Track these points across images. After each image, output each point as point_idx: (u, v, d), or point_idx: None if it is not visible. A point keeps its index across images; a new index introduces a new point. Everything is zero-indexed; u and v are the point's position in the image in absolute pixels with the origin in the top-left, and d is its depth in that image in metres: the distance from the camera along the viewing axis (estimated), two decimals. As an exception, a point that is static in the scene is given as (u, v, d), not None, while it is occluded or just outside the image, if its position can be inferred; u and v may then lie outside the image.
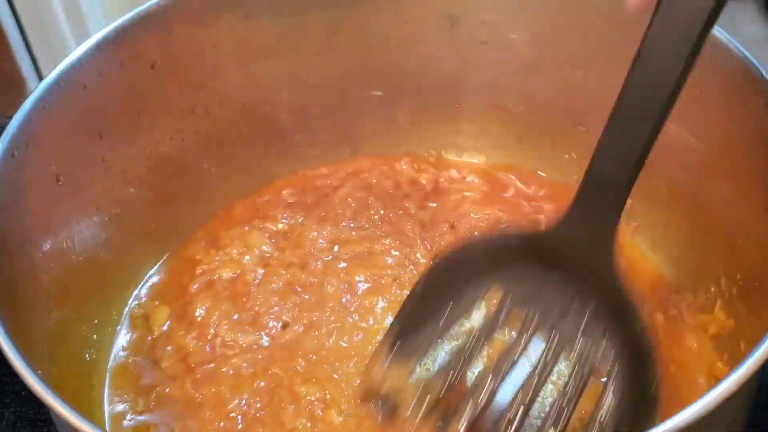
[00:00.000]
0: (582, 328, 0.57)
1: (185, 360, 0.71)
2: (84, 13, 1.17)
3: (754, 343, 0.49)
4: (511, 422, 0.56)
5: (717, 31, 0.66)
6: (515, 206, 0.83)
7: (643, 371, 0.54)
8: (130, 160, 0.76)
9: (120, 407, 0.69)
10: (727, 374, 0.46)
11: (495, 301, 0.61)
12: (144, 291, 0.78)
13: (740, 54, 0.64)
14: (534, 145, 0.87)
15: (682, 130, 0.73)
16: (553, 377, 0.58)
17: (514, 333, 0.60)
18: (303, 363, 0.69)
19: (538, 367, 0.58)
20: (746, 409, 0.60)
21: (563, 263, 0.57)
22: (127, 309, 0.76)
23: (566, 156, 0.85)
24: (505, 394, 0.58)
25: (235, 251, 0.79)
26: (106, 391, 0.70)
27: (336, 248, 0.79)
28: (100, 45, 0.69)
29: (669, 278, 0.76)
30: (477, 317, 0.61)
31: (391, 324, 0.64)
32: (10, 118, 0.63)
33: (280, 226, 0.82)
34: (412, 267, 0.77)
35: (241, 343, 0.72)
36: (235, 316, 0.74)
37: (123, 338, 0.74)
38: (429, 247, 0.79)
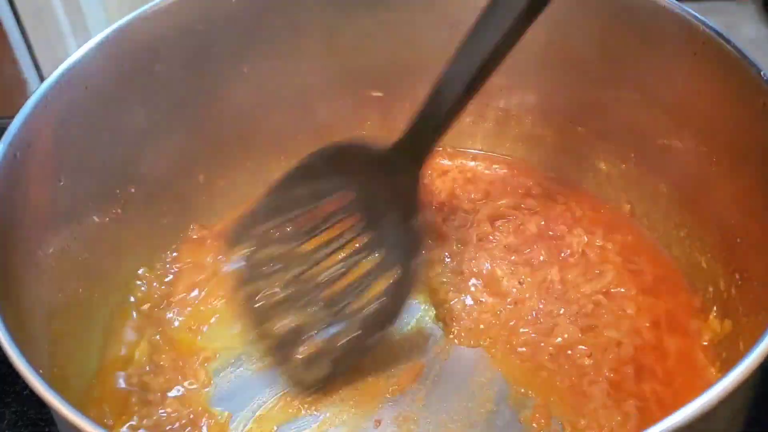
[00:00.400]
0: (391, 228, 0.70)
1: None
2: (84, 13, 1.16)
3: (753, 343, 0.49)
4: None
5: (717, 30, 0.66)
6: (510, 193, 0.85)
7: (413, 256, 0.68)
8: (131, 160, 0.76)
9: (121, 407, 0.68)
10: (720, 378, 0.47)
11: (336, 202, 0.73)
12: (145, 292, 0.78)
13: (740, 54, 0.64)
14: (534, 146, 0.87)
15: (682, 131, 0.73)
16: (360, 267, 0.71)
17: (345, 231, 0.72)
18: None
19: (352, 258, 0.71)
20: (746, 408, 0.60)
21: (393, 171, 0.70)
22: (127, 309, 0.76)
23: (566, 156, 0.85)
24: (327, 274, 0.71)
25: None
26: (106, 391, 0.70)
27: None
28: (101, 45, 0.70)
29: (668, 278, 0.76)
30: (317, 213, 0.73)
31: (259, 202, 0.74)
32: (12, 118, 0.63)
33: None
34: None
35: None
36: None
37: (123, 338, 0.74)
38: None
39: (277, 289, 0.71)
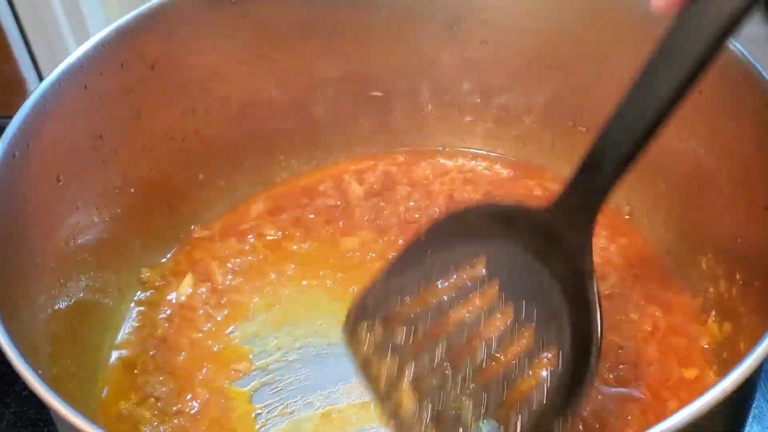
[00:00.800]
0: (545, 309, 0.59)
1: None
2: (84, 13, 1.16)
3: (753, 344, 0.49)
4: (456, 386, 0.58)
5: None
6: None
7: (585, 359, 0.56)
8: (131, 160, 0.76)
9: (121, 407, 0.68)
10: (719, 380, 0.47)
11: (477, 269, 0.62)
12: (145, 292, 0.78)
13: (740, 54, 0.64)
14: (534, 146, 0.87)
15: (682, 131, 0.73)
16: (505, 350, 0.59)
17: (484, 303, 0.61)
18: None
19: (496, 336, 0.59)
20: (746, 408, 0.60)
21: (546, 241, 0.59)
22: (127, 309, 0.76)
23: (566, 156, 0.85)
24: (461, 356, 0.59)
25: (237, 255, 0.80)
26: (107, 390, 0.70)
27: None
28: (101, 45, 0.70)
29: (668, 280, 0.76)
30: (455, 283, 0.62)
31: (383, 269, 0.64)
32: (11, 118, 0.63)
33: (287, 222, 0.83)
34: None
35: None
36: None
37: (123, 338, 0.74)
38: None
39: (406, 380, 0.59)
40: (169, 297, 0.77)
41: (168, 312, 0.76)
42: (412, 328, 0.60)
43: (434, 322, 0.60)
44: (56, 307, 0.67)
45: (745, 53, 0.64)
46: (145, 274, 0.78)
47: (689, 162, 0.73)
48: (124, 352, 0.73)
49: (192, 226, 0.83)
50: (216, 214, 0.84)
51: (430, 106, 0.89)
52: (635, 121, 0.54)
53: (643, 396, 0.67)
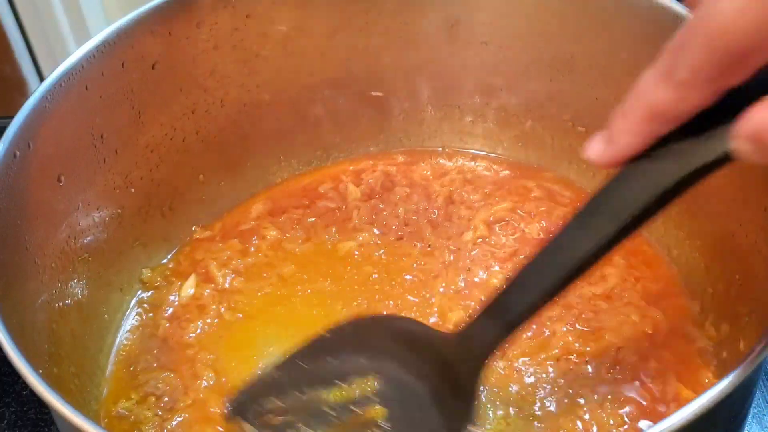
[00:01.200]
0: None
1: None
2: (84, 13, 1.16)
3: (753, 343, 0.49)
4: None
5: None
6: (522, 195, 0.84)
7: None
8: (131, 160, 0.76)
9: (121, 406, 0.69)
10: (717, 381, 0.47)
11: (367, 386, 0.62)
12: (145, 292, 0.78)
13: (740, 54, 0.64)
14: (534, 146, 0.87)
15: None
16: None
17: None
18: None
19: None
20: (746, 409, 0.60)
21: (441, 372, 0.60)
22: (128, 309, 0.77)
23: (566, 156, 0.85)
24: None
25: (238, 255, 0.80)
26: (108, 390, 0.70)
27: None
28: (101, 45, 0.70)
29: (668, 281, 0.76)
30: (343, 395, 0.62)
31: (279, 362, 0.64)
32: (12, 118, 0.63)
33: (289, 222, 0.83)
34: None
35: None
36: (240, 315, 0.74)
37: (124, 338, 0.74)
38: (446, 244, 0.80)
39: None
40: (170, 297, 0.77)
41: (169, 312, 0.76)
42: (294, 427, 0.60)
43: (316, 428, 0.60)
44: (57, 307, 0.67)
45: (745, 53, 0.64)
46: (146, 274, 0.79)
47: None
48: (124, 351, 0.73)
49: (192, 227, 0.83)
50: (216, 214, 0.84)
51: (429, 107, 0.89)
52: (541, 278, 0.53)
53: (642, 397, 0.67)
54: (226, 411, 0.62)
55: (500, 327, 0.55)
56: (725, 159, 0.45)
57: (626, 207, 0.48)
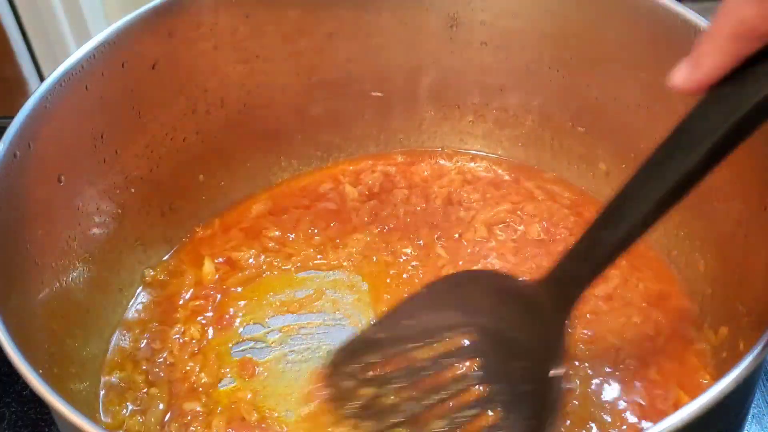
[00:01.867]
0: (512, 394, 0.62)
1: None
2: (84, 13, 1.16)
3: (752, 343, 0.49)
4: None
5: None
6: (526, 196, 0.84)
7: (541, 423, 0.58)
8: (132, 160, 0.76)
9: (121, 406, 0.69)
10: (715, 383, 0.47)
11: (463, 339, 0.65)
12: (145, 291, 0.78)
13: (739, 54, 0.64)
14: (534, 146, 0.87)
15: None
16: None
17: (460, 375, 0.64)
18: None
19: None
20: (746, 409, 0.60)
21: (530, 312, 0.61)
22: (128, 309, 0.77)
23: (566, 157, 0.85)
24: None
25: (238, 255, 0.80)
26: (108, 389, 0.70)
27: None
28: (101, 45, 0.70)
29: (668, 282, 0.76)
30: (439, 348, 0.65)
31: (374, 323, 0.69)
32: (12, 118, 0.63)
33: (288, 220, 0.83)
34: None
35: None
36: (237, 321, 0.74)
37: (124, 338, 0.74)
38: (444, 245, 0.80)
39: None
40: (170, 297, 0.77)
41: (169, 311, 0.76)
42: (392, 384, 0.64)
43: (410, 381, 0.64)
44: (57, 307, 0.67)
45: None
46: (146, 273, 0.78)
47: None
48: (125, 351, 0.73)
49: (193, 226, 0.83)
50: (216, 213, 0.84)
51: (429, 107, 0.89)
52: (642, 197, 0.54)
53: (642, 397, 0.67)
54: (323, 368, 0.66)
55: (587, 268, 0.56)
56: None
57: (714, 129, 0.48)
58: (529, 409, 0.60)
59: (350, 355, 0.66)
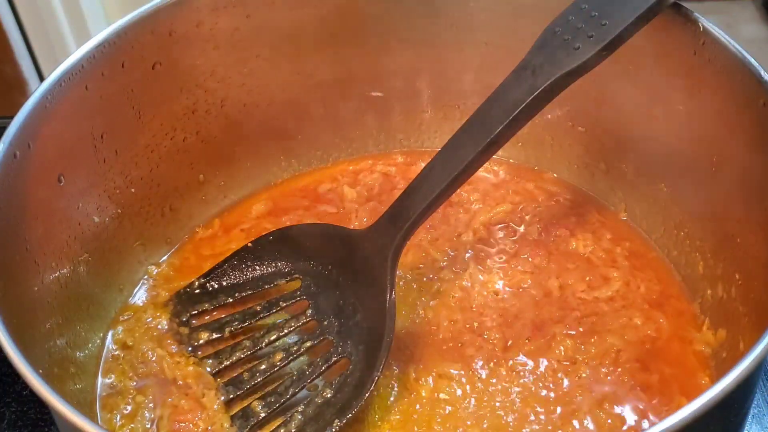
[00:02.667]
0: (349, 321, 0.69)
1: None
2: (84, 13, 1.17)
3: (753, 343, 0.49)
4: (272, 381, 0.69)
5: (717, 30, 0.66)
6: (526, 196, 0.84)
7: (375, 358, 0.66)
8: (132, 160, 0.76)
9: (121, 405, 0.68)
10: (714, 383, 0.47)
11: (291, 285, 0.74)
12: (145, 291, 0.78)
13: (740, 54, 0.64)
14: (534, 146, 0.87)
15: (682, 131, 0.73)
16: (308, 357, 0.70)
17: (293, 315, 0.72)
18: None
19: (302, 344, 0.70)
20: (746, 410, 0.60)
21: (357, 259, 0.70)
22: (128, 309, 0.76)
23: (565, 157, 0.85)
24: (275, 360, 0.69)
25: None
26: (108, 389, 0.70)
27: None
28: (101, 45, 0.70)
29: (668, 283, 0.76)
30: (271, 295, 0.74)
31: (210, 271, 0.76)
32: (12, 118, 0.63)
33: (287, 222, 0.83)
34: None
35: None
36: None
37: (124, 337, 0.74)
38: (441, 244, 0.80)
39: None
40: (170, 297, 0.77)
41: (168, 312, 0.76)
42: (226, 328, 0.72)
43: (246, 325, 0.72)
44: (57, 307, 0.67)
45: (745, 53, 0.64)
46: (147, 273, 0.79)
47: (689, 161, 0.73)
48: (125, 350, 0.73)
49: (193, 227, 0.83)
50: (216, 213, 0.84)
51: (429, 107, 0.89)
52: (432, 182, 0.66)
53: (642, 398, 0.67)
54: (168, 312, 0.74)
55: (400, 228, 0.67)
56: None
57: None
58: (363, 336, 0.67)
59: (185, 302, 0.74)
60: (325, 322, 0.70)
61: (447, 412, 0.67)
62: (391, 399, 0.67)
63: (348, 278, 0.71)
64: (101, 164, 0.73)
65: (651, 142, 0.77)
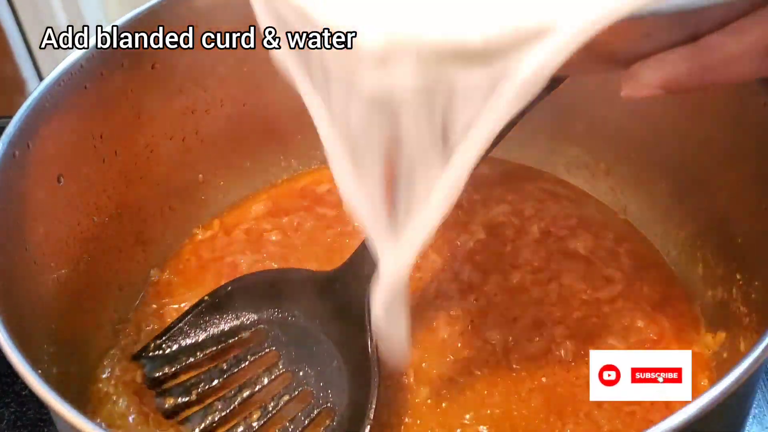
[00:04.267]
0: (324, 372, 0.66)
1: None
2: (84, 13, 1.16)
3: (753, 343, 0.49)
4: None
5: (716, 31, 0.66)
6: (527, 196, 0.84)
7: (362, 403, 0.62)
8: (131, 160, 0.76)
9: (120, 405, 0.68)
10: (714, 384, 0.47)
11: (259, 337, 0.70)
12: (145, 291, 0.78)
13: (740, 54, 0.64)
14: (532, 148, 0.87)
15: (681, 132, 0.73)
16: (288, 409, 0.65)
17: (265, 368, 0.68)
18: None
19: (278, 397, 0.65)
20: (746, 410, 0.60)
21: (329, 304, 0.68)
22: (127, 309, 0.76)
23: (564, 158, 0.85)
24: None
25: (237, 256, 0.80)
26: (106, 390, 0.70)
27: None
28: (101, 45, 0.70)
29: (668, 283, 0.76)
30: (239, 348, 0.70)
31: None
32: (11, 118, 0.63)
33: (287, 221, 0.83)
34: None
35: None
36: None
37: (124, 337, 0.74)
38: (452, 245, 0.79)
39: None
40: (170, 297, 0.77)
41: (169, 312, 0.76)
42: (192, 390, 0.67)
43: (214, 385, 0.67)
44: (56, 307, 0.67)
45: (745, 54, 0.64)
46: (147, 273, 0.78)
47: (689, 162, 0.73)
48: (125, 350, 0.73)
49: (192, 227, 0.83)
50: (215, 214, 0.84)
51: (430, 107, 0.88)
52: None
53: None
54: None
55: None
56: None
57: None
58: (345, 381, 0.64)
59: (147, 364, 0.69)
60: (301, 373, 0.66)
61: (446, 412, 0.67)
62: (390, 400, 0.67)
63: (320, 322, 0.68)
64: (101, 164, 0.73)
65: (651, 142, 0.77)
